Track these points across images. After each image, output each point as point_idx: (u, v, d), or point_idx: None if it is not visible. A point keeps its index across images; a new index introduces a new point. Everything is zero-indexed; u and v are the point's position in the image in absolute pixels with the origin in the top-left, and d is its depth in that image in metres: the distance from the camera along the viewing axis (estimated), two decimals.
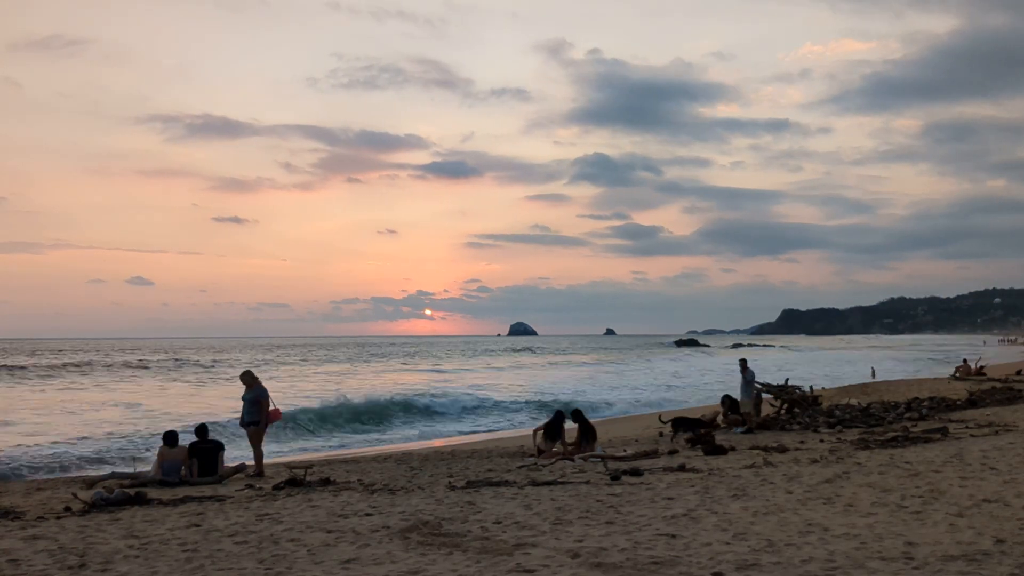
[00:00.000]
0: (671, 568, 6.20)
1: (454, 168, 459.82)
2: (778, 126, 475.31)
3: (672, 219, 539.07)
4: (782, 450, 13.98)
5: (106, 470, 16.06)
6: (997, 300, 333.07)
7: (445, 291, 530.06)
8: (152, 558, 6.96)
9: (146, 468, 13.97)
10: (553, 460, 13.87)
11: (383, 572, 6.35)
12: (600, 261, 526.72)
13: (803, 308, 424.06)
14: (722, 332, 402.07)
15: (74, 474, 16.00)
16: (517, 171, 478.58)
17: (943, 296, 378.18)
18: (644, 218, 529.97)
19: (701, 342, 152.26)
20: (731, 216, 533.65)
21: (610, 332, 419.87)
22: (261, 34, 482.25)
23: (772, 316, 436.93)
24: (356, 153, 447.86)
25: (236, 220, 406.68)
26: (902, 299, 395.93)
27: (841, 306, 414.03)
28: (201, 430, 13.65)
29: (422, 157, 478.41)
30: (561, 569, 6.27)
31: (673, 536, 7.27)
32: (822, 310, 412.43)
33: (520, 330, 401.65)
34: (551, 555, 6.70)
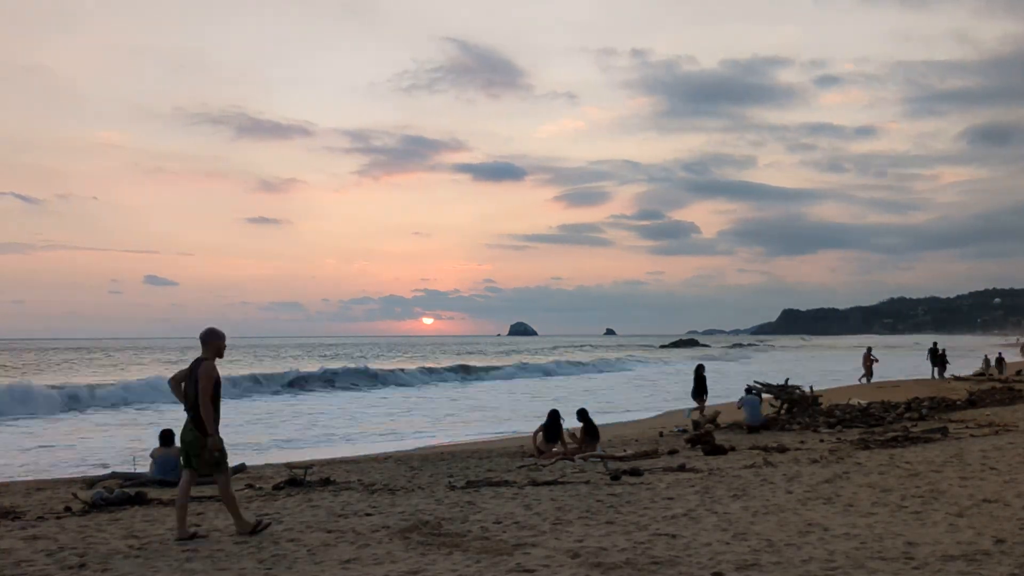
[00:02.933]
0: (671, 568, 6.20)
1: (494, 170, 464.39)
2: (820, 128, 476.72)
3: (705, 220, 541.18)
4: (782, 450, 13.99)
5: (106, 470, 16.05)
6: (997, 300, 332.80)
7: (456, 291, 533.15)
8: (152, 558, 6.96)
9: (144, 469, 13.97)
10: (553, 460, 13.87)
11: (383, 572, 6.35)
12: (621, 261, 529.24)
13: (803, 308, 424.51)
14: (722, 332, 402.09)
15: (74, 474, 15.99)
16: (557, 173, 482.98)
17: (943, 296, 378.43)
18: (677, 218, 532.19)
19: (701, 342, 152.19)
20: (765, 216, 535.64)
21: (610, 332, 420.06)
22: (333, 39, 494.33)
23: (772, 316, 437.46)
24: (399, 156, 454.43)
25: (270, 221, 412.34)
26: (902, 299, 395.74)
27: (841, 306, 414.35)
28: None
29: (464, 160, 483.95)
30: (561, 569, 6.27)
31: (673, 536, 7.28)
32: (822, 310, 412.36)
33: (520, 330, 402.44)
34: (551, 555, 6.70)
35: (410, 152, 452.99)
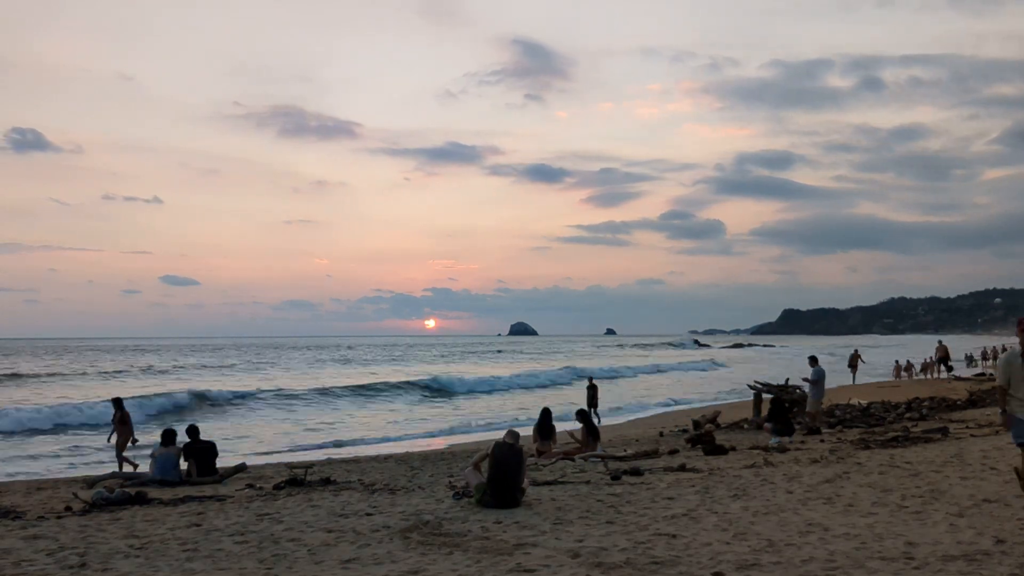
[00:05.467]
0: (671, 568, 6.20)
1: (531, 172, 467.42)
2: (866, 131, 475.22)
3: (734, 220, 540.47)
4: (782, 450, 13.99)
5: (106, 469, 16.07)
6: (997, 300, 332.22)
7: (465, 290, 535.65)
8: (152, 557, 6.97)
9: (145, 468, 13.99)
10: (553, 460, 13.86)
11: (383, 572, 6.35)
12: (640, 262, 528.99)
13: (803, 308, 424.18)
14: (723, 332, 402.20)
15: (75, 473, 16.01)
16: (593, 175, 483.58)
17: (943, 296, 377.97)
18: (708, 218, 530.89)
19: (702, 342, 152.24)
20: (796, 217, 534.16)
21: (610, 332, 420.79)
22: (404, 41, 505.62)
23: (772, 316, 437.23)
24: (439, 158, 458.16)
25: (304, 223, 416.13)
26: (902, 299, 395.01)
27: (841, 306, 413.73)
28: (193, 431, 13.66)
29: (503, 161, 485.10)
30: (561, 569, 6.27)
31: (673, 536, 7.28)
32: (822, 310, 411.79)
33: (520, 330, 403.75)
34: (551, 555, 6.70)
35: (450, 154, 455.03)
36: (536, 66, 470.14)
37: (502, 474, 8.91)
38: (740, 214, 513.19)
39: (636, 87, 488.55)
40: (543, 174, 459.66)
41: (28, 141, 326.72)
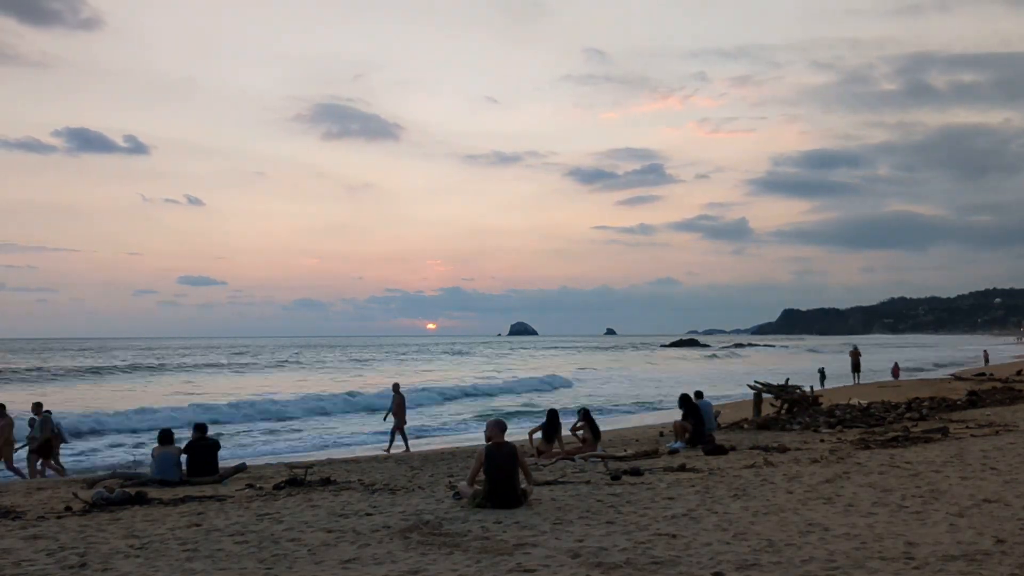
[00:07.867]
0: (671, 568, 6.20)
1: (575, 175, 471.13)
2: (908, 130, 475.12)
3: (760, 222, 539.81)
4: (782, 450, 13.99)
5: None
6: (997, 300, 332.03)
7: (475, 290, 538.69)
8: (152, 558, 6.96)
9: (145, 469, 13.99)
10: (553, 460, 13.87)
11: (383, 572, 6.35)
12: (656, 263, 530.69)
13: (803, 308, 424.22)
14: (723, 332, 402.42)
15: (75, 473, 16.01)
16: (632, 176, 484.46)
17: (943, 296, 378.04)
18: (738, 218, 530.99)
19: (702, 342, 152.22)
20: (824, 217, 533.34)
21: (610, 332, 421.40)
22: (461, 49, 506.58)
23: (772, 316, 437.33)
24: (484, 162, 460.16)
25: (333, 226, 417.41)
26: (902, 299, 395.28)
27: (841, 306, 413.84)
28: (200, 427, 13.68)
29: (543, 164, 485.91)
30: (561, 569, 6.27)
31: (673, 536, 7.28)
32: (822, 310, 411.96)
33: (520, 330, 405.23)
34: (551, 555, 6.70)
35: (489, 158, 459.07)
36: (586, 71, 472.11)
37: (500, 475, 8.89)
38: (770, 215, 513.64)
39: (683, 90, 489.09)
40: (581, 176, 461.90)
41: (80, 142, 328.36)
